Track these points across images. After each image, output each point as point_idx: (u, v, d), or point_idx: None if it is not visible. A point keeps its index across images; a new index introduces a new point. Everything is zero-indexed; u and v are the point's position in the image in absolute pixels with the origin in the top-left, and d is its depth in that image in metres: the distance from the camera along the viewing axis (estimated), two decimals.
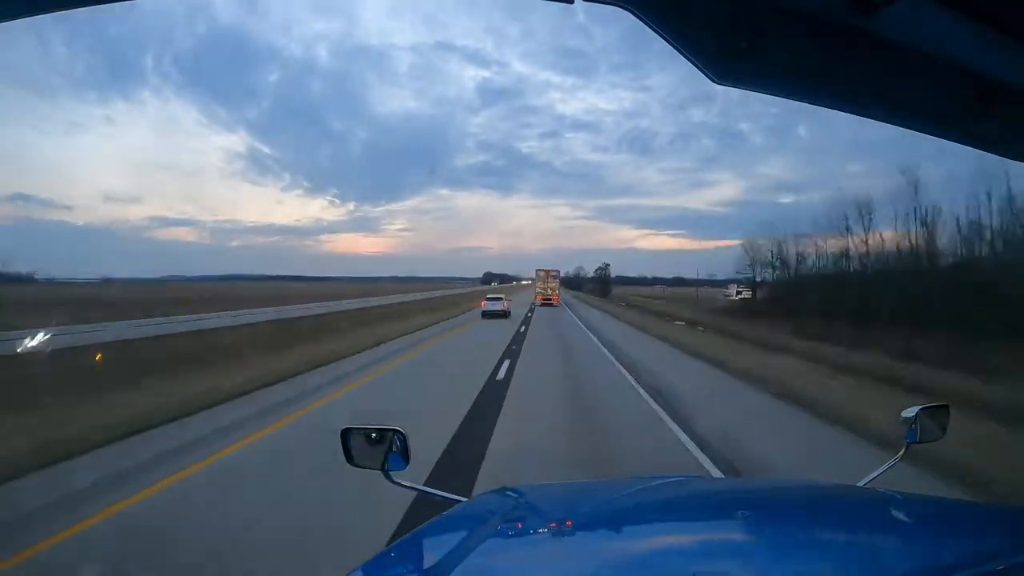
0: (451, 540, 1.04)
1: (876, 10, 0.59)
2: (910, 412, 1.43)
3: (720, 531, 1.11)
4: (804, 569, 0.89)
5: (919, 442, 1.44)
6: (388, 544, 1.15)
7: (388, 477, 1.41)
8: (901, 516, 1.17)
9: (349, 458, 1.44)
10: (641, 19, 0.61)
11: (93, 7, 0.64)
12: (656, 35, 0.63)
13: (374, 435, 1.43)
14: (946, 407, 1.49)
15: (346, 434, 1.43)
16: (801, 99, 0.81)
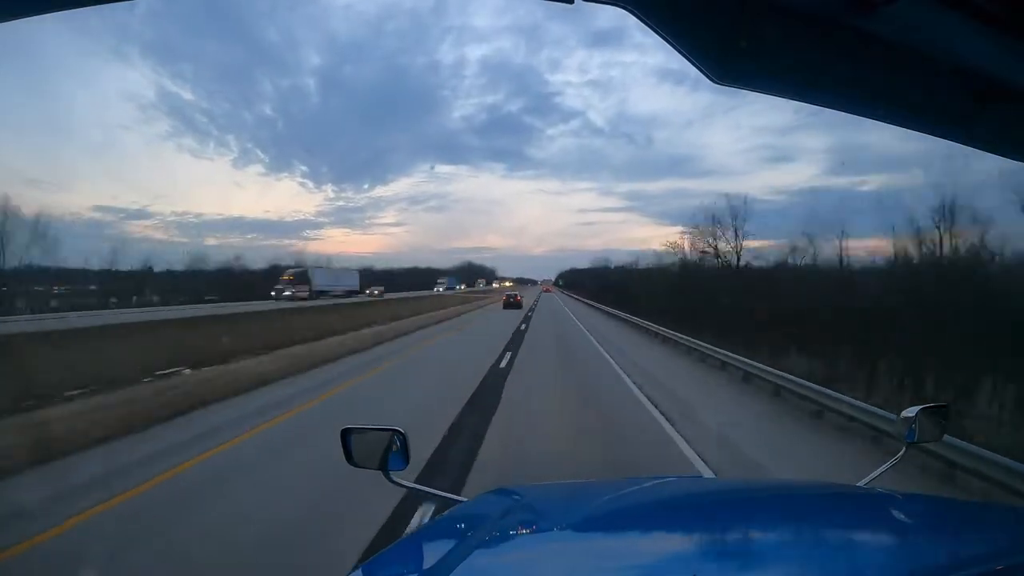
0: (451, 540, 1.04)
1: (876, 10, 0.59)
2: (910, 412, 1.43)
3: (719, 531, 1.11)
4: (804, 569, 0.89)
5: (918, 442, 1.44)
6: (388, 544, 1.15)
7: (388, 477, 1.41)
8: (901, 516, 1.17)
9: (349, 458, 1.43)
10: (641, 19, 0.61)
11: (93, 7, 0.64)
12: (656, 34, 0.63)
13: (374, 435, 1.43)
14: (945, 408, 1.49)
15: (346, 434, 1.43)
16: (801, 99, 0.81)
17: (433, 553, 1.01)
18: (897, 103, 0.79)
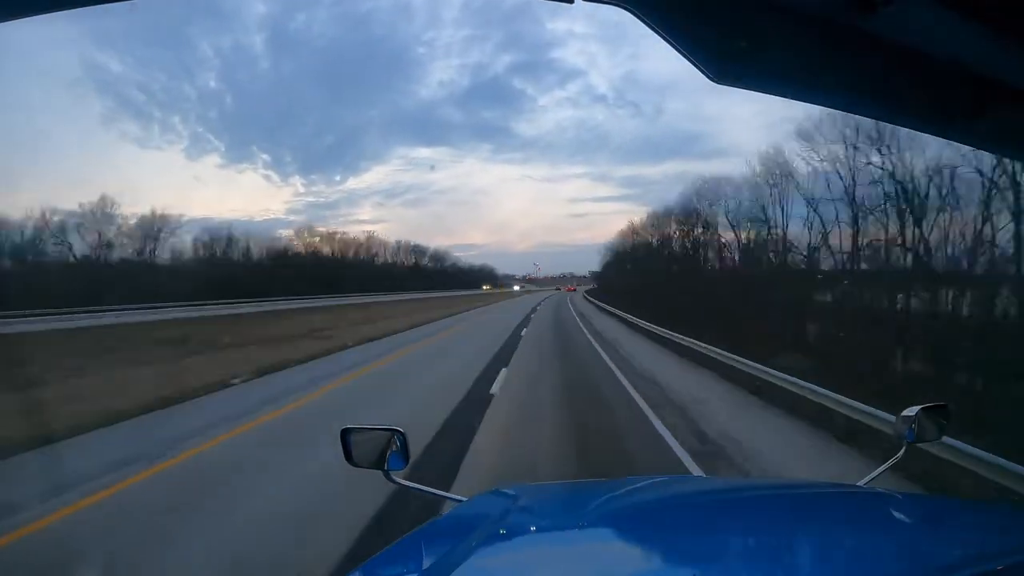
0: (451, 540, 1.05)
1: (876, 10, 0.59)
2: (910, 412, 1.43)
3: (719, 531, 1.11)
4: (803, 569, 0.89)
5: (918, 441, 1.44)
6: (388, 544, 1.15)
7: (388, 477, 1.41)
8: (901, 516, 1.17)
9: (349, 458, 1.44)
10: (640, 18, 0.61)
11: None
12: (656, 33, 0.63)
13: (374, 435, 1.43)
14: (945, 407, 1.49)
15: (346, 434, 1.43)
16: (801, 99, 0.81)
17: (433, 553, 1.01)
18: (897, 103, 0.80)
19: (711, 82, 0.68)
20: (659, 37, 0.63)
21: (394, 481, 1.42)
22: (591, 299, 48.68)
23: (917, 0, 0.61)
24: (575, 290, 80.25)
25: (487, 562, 0.95)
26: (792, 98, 0.81)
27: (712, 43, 0.67)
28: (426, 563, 0.99)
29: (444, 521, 1.26)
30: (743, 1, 0.64)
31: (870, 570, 0.87)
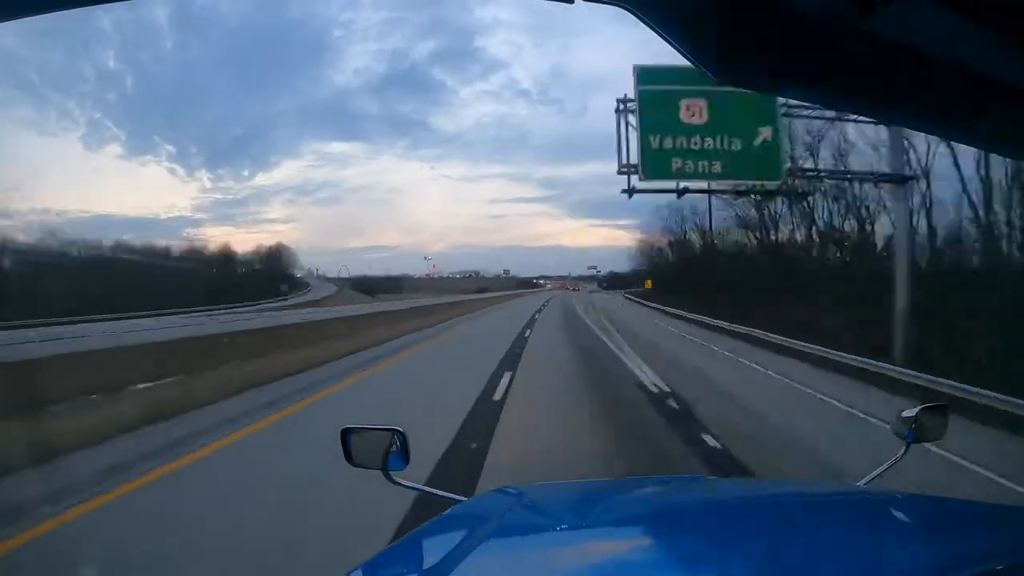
0: (451, 540, 1.05)
1: (876, 10, 0.59)
2: (910, 412, 1.43)
3: (720, 532, 1.11)
4: (804, 570, 0.89)
5: (918, 441, 1.44)
6: (389, 544, 1.15)
7: (388, 477, 1.42)
8: (901, 516, 1.17)
9: (349, 458, 1.44)
10: (640, 18, 0.61)
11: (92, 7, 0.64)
12: (656, 33, 0.63)
13: (374, 435, 1.44)
14: (945, 407, 1.49)
15: (346, 434, 1.43)
16: (801, 99, 0.81)
17: (433, 553, 1.01)
18: (898, 103, 0.80)
19: (713, 82, 0.68)
20: (659, 37, 0.63)
21: (395, 482, 1.42)
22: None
23: (917, 0, 0.61)
24: (579, 290, 70.59)
25: (487, 561, 0.95)
26: (793, 97, 0.82)
27: (713, 44, 0.67)
28: (426, 563, 0.99)
29: (444, 521, 1.26)
30: (743, 1, 0.64)
31: (870, 570, 0.87)
